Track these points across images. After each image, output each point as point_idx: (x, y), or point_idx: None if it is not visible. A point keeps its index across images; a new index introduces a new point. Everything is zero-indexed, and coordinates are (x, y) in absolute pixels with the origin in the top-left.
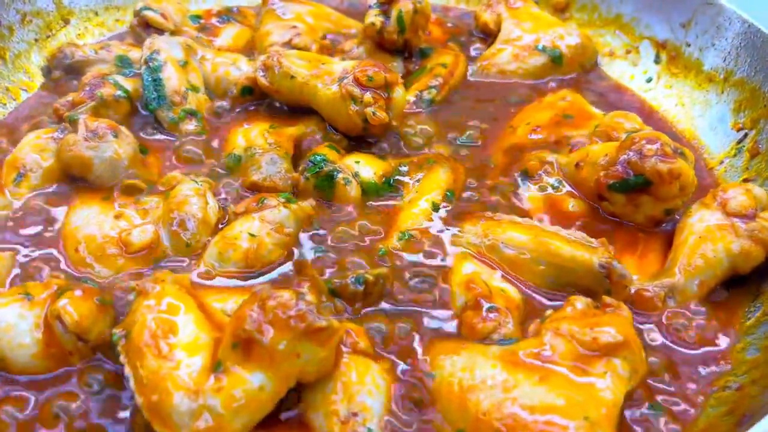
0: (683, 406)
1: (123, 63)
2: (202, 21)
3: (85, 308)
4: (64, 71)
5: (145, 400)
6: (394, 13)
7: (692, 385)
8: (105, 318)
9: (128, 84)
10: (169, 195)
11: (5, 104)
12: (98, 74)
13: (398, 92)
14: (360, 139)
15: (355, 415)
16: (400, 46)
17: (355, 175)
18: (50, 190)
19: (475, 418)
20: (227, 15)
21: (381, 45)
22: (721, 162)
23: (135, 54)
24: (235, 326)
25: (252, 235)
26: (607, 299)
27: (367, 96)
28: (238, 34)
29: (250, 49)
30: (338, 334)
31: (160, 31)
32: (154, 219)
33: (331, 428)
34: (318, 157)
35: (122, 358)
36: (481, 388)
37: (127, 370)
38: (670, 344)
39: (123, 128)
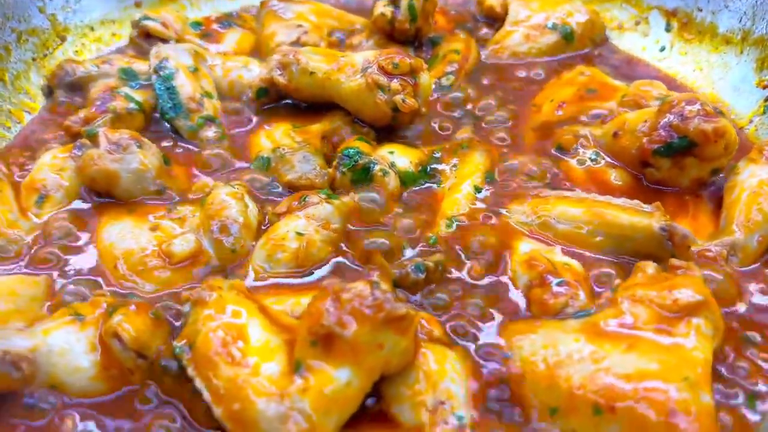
0: None
1: (128, 75)
2: (203, 28)
3: (141, 323)
4: (66, 89)
5: (225, 410)
6: (404, 2)
7: None
8: (161, 332)
9: (138, 96)
10: (205, 202)
11: (9, 127)
12: (106, 88)
13: (424, 77)
14: (388, 130)
15: (442, 403)
16: (411, 36)
17: (392, 165)
18: (74, 207)
19: (568, 394)
20: (228, 20)
21: (391, 36)
22: (751, 121)
23: (139, 66)
24: (310, 323)
25: (300, 234)
26: (675, 261)
27: (395, 84)
28: (241, 38)
29: (255, 53)
30: (416, 321)
31: (163, 40)
32: (192, 228)
33: (420, 419)
34: (352, 151)
35: (190, 371)
36: (568, 363)
37: (199, 383)
38: None
39: (145, 139)
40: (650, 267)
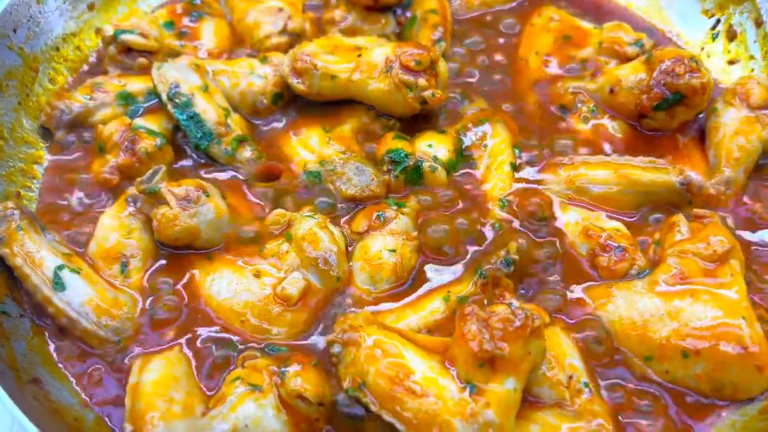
0: None
1: (126, 100)
2: (175, 26)
3: (313, 377)
4: (67, 128)
5: None
6: None
7: None
8: (326, 377)
9: (153, 125)
10: (294, 237)
11: (30, 187)
12: (119, 126)
13: (442, 66)
14: (411, 118)
15: (570, 377)
16: (393, 4)
17: (435, 158)
18: (158, 268)
19: (659, 345)
20: (196, 11)
21: (370, 7)
22: (702, 48)
23: (132, 86)
24: (469, 350)
25: (392, 251)
26: (699, 211)
27: (422, 81)
28: (216, 29)
29: (237, 43)
30: (545, 322)
31: (146, 53)
32: (292, 265)
33: (562, 394)
34: (400, 154)
35: (375, 408)
36: (651, 320)
37: (388, 416)
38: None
39: (204, 183)
40: (682, 222)
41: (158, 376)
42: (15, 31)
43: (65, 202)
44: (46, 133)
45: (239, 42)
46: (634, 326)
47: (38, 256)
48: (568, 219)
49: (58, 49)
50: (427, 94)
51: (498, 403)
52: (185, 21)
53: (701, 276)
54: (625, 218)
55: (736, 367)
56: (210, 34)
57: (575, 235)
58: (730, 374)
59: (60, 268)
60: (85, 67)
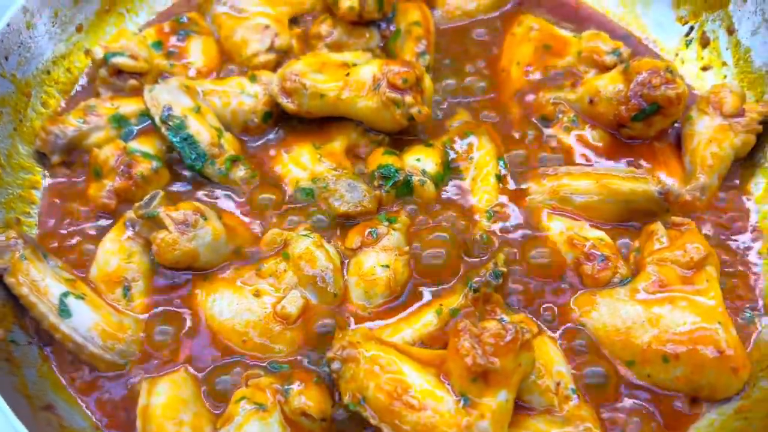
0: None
1: (119, 123)
2: (163, 46)
3: (315, 394)
4: (62, 152)
5: None
6: None
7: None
8: (327, 391)
9: (148, 148)
10: (291, 257)
11: (29, 213)
12: (114, 150)
13: (427, 82)
14: (398, 132)
15: (558, 384)
16: (378, 18)
17: (423, 172)
18: (160, 289)
19: (641, 350)
20: (183, 29)
21: (356, 22)
22: (677, 55)
23: (124, 108)
24: (463, 365)
25: (385, 266)
26: (676, 219)
27: (408, 98)
28: (204, 48)
29: (225, 60)
30: (534, 333)
31: (137, 74)
32: (289, 284)
33: (551, 400)
34: (390, 169)
35: (375, 422)
36: (634, 327)
37: (387, 429)
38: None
39: (202, 206)
40: (660, 230)
41: (167, 399)
42: (7, 58)
43: (64, 227)
44: (41, 157)
45: (227, 59)
46: (618, 332)
47: (43, 284)
48: (553, 227)
49: (49, 72)
50: (414, 110)
51: (492, 415)
52: (173, 40)
53: (679, 283)
54: (606, 226)
55: (713, 370)
56: (198, 52)
57: (559, 243)
58: (708, 376)
59: (65, 295)
60: (78, 88)
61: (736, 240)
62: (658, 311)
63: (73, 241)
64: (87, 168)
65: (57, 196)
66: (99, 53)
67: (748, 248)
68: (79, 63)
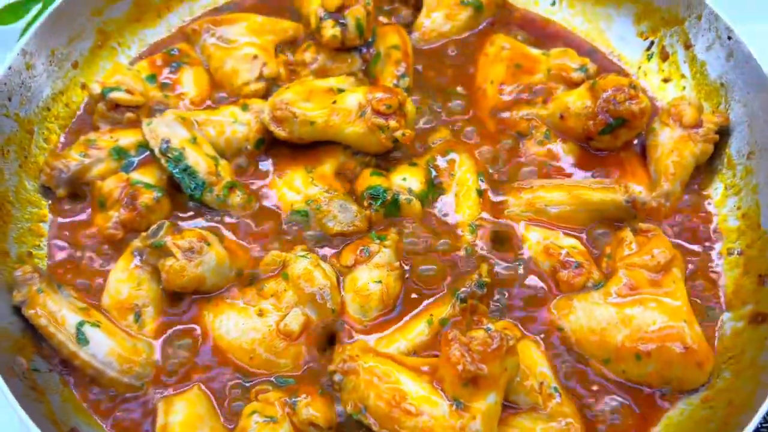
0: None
1: (119, 155)
2: (157, 79)
3: (321, 405)
4: (66, 186)
5: None
6: (351, 22)
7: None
8: (332, 402)
9: (148, 178)
10: (291, 277)
11: (39, 245)
12: (118, 183)
13: (409, 106)
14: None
15: (542, 384)
16: (359, 45)
17: (410, 191)
18: (170, 313)
19: (615, 349)
20: (174, 61)
21: (338, 48)
22: (639, 67)
23: (125, 140)
24: (454, 372)
25: (378, 281)
26: (643, 226)
27: (392, 123)
28: (196, 79)
29: (216, 88)
30: (517, 338)
31: (133, 107)
32: (290, 302)
33: (536, 399)
34: (378, 190)
35: (376, 429)
36: (608, 327)
37: None
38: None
39: (204, 232)
40: (629, 237)
41: (184, 417)
42: (10, 99)
43: (74, 257)
44: (46, 191)
45: (218, 87)
46: (593, 333)
47: (60, 314)
48: (530, 238)
49: (49, 108)
50: (398, 134)
51: (482, 416)
52: (165, 72)
53: (648, 286)
54: (580, 234)
55: (680, 365)
56: (190, 83)
57: (537, 253)
58: (676, 371)
59: (81, 324)
60: (75, 121)
61: (698, 242)
62: (629, 312)
63: (83, 271)
64: (91, 200)
65: (63, 228)
66: (96, 89)
67: (710, 249)
68: (76, 98)
